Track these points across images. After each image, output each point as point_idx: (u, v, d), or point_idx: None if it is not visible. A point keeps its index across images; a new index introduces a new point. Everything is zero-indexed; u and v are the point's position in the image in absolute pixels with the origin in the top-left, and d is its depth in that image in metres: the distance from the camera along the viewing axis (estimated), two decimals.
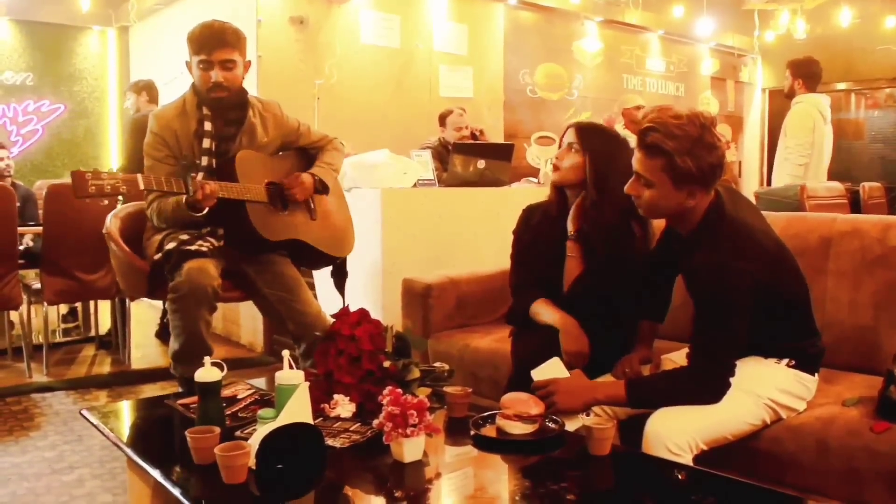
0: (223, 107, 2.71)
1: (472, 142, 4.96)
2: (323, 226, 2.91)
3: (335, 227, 2.99)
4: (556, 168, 2.33)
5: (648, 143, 1.82)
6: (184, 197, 2.53)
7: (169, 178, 2.53)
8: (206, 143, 2.67)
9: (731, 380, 1.84)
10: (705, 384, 1.83)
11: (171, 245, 2.63)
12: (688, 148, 1.78)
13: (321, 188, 2.86)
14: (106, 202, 2.41)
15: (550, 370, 1.94)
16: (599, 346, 2.19)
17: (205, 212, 2.54)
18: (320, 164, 2.90)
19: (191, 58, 2.68)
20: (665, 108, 1.84)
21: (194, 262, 2.57)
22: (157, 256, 2.66)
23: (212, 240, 2.66)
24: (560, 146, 2.37)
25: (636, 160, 1.87)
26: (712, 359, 1.84)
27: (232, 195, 2.58)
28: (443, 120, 5.16)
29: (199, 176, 2.58)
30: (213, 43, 2.62)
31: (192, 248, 2.60)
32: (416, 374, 1.97)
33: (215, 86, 2.63)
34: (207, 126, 2.67)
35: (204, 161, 2.66)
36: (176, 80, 5.26)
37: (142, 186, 2.47)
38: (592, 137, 2.30)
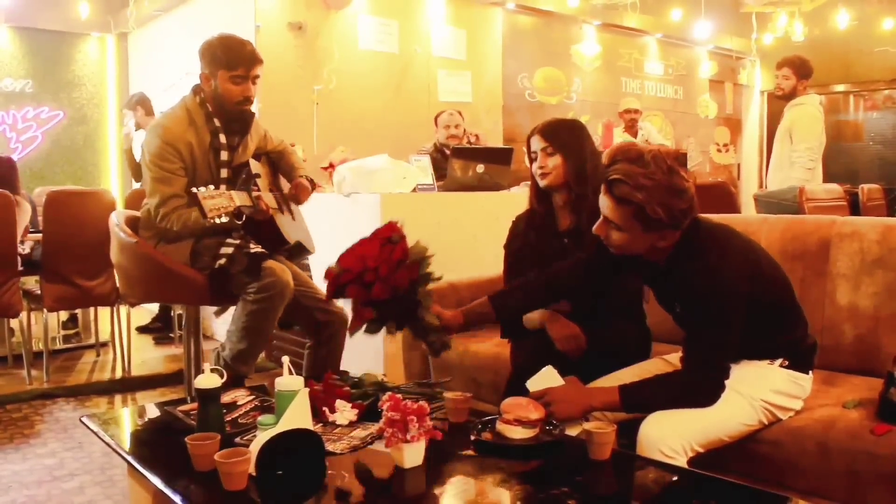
0: (231, 118, 2.75)
1: (470, 146, 4.96)
2: (300, 226, 3.05)
3: (304, 226, 3.12)
4: (544, 175, 2.35)
5: (617, 194, 1.80)
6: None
7: (239, 192, 2.59)
8: (224, 155, 2.73)
9: (725, 382, 1.85)
10: (699, 388, 1.84)
11: (228, 249, 2.65)
12: (658, 197, 1.77)
13: (312, 188, 3.00)
14: (224, 219, 2.52)
15: (545, 379, 1.94)
16: (598, 342, 2.21)
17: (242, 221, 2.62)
18: (301, 167, 3.04)
19: (216, 71, 2.68)
20: (629, 152, 1.82)
21: (271, 261, 2.65)
22: (220, 262, 2.65)
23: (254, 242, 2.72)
24: (530, 156, 2.40)
25: (604, 206, 1.85)
26: (706, 362, 1.84)
27: (272, 205, 2.72)
28: (437, 120, 5.18)
29: (222, 187, 2.62)
30: (252, 59, 2.70)
31: (258, 249, 2.67)
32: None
33: (246, 100, 2.71)
34: (223, 139, 2.72)
35: (223, 173, 2.72)
36: (174, 87, 5.27)
37: (237, 203, 2.51)
38: (559, 134, 2.35)
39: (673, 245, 1.87)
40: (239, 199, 2.55)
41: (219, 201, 2.44)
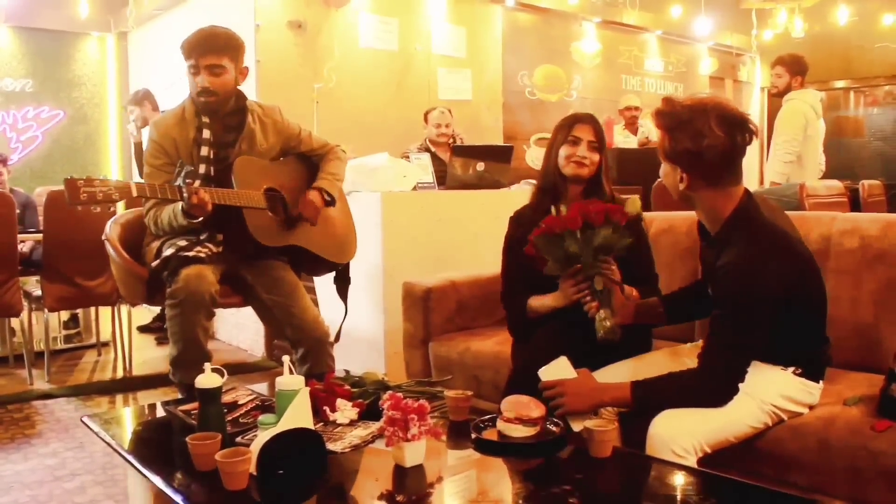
0: (221, 113, 2.72)
1: (470, 144, 4.96)
2: (324, 232, 2.91)
3: (336, 233, 3.00)
4: (582, 165, 2.34)
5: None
6: (180, 204, 2.53)
7: (163, 185, 2.52)
8: (205, 150, 2.68)
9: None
10: (714, 387, 1.83)
11: (168, 251, 2.63)
12: (670, 127, 1.83)
13: (329, 200, 2.86)
14: (98, 209, 2.38)
15: (558, 370, 1.94)
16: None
17: (200, 219, 2.55)
18: (324, 176, 2.89)
19: (184, 64, 2.69)
20: (703, 95, 1.87)
21: (192, 268, 2.57)
22: (155, 263, 2.66)
23: (210, 245, 2.66)
24: (567, 139, 2.36)
25: None
26: (726, 363, 1.82)
27: (227, 202, 2.58)
28: (427, 117, 5.16)
29: (197, 183, 2.58)
30: (201, 48, 2.64)
31: (190, 254, 2.60)
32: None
33: (202, 90, 2.65)
34: (206, 134, 2.69)
35: (202, 168, 2.67)
36: (175, 86, 5.27)
37: (134, 194, 2.45)
38: (602, 137, 2.41)
39: (726, 216, 1.86)
40: (171, 193, 2.47)
41: (97, 189, 2.32)
